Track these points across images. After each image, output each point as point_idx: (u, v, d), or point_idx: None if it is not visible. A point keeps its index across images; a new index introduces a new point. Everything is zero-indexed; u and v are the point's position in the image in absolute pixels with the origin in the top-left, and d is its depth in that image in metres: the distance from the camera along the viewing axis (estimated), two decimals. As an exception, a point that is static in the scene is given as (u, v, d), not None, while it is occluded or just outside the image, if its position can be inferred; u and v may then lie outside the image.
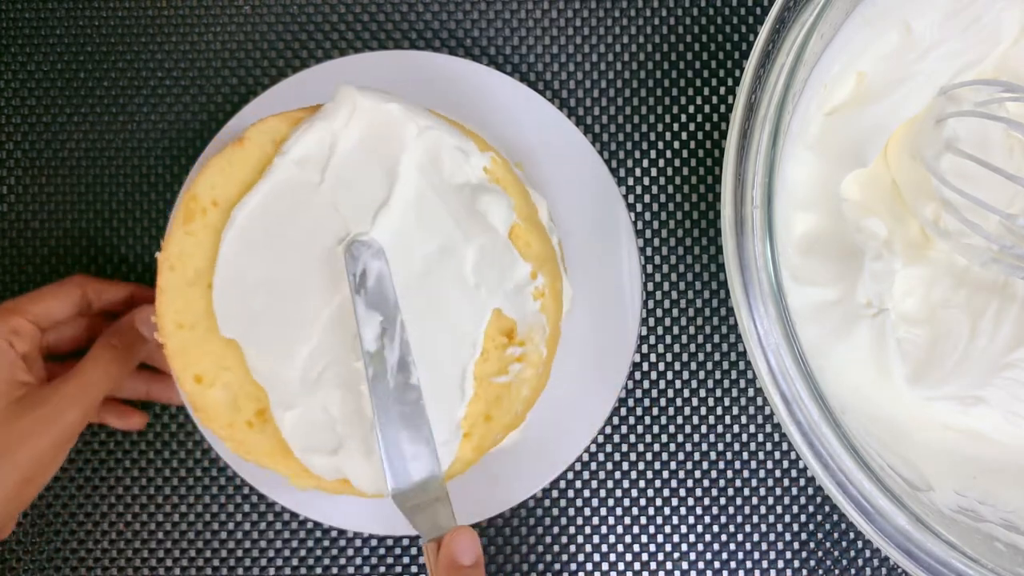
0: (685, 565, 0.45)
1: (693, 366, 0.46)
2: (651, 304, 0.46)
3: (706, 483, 0.45)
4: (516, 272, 0.38)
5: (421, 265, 0.38)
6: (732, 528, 0.45)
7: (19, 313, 0.39)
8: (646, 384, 0.46)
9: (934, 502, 0.35)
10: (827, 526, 0.45)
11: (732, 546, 0.45)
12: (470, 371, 0.38)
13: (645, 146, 0.46)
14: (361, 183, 0.38)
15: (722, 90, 0.46)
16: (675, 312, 0.46)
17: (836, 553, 0.45)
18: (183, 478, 0.45)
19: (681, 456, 0.46)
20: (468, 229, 0.38)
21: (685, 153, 0.46)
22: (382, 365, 0.37)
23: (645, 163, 0.46)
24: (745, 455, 0.45)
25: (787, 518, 0.45)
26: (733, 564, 0.45)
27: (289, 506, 0.43)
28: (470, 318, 0.38)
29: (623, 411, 0.46)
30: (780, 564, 0.45)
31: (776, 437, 0.46)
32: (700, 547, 0.45)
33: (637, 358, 0.46)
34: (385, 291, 0.37)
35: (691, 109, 0.46)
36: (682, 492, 0.45)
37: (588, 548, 0.45)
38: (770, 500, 0.45)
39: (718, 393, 0.46)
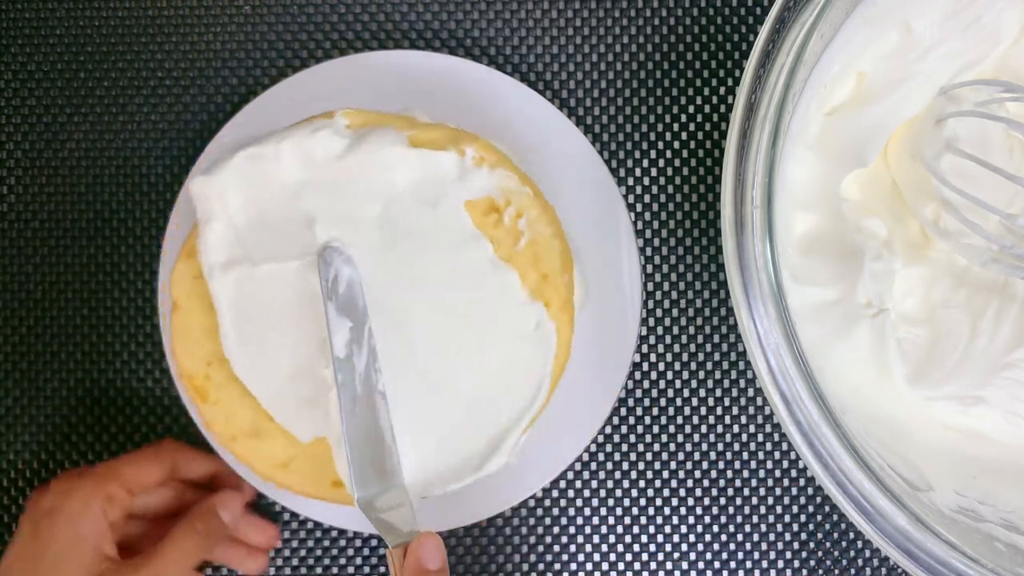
0: (685, 565, 0.45)
1: (693, 366, 0.46)
2: (651, 304, 0.46)
3: (706, 483, 0.45)
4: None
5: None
6: (732, 528, 0.45)
7: (116, 479, 0.39)
8: (646, 384, 0.46)
9: (934, 502, 0.35)
10: (827, 526, 0.45)
11: (732, 546, 0.45)
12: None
13: (645, 146, 0.46)
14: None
15: (722, 90, 0.46)
16: (675, 312, 0.46)
17: (836, 553, 0.45)
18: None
19: (681, 456, 0.46)
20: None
21: (685, 153, 0.46)
22: (350, 371, 0.37)
23: (645, 163, 0.46)
24: (745, 455, 0.45)
25: (787, 518, 0.45)
26: (733, 564, 0.45)
27: (289, 506, 0.43)
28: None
29: (623, 411, 0.46)
30: (780, 564, 0.45)
31: (776, 437, 0.46)
32: (700, 547, 0.45)
33: (637, 358, 0.46)
34: (355, 297, 0.38)
35: (691, 109, 0.46)
36: (682, 492, 0.45)
37: (588, 548, 0.45)
38: (770, 500, 0.45)
39: (718, 393, 0.46)
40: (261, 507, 0.45)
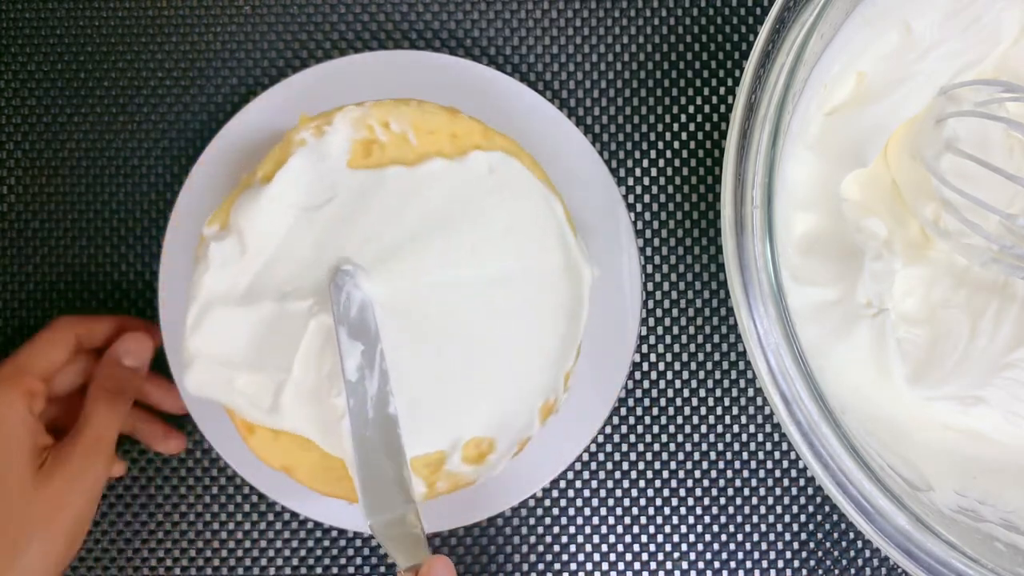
0: (685, 565, 0.45)
1: (693, 366, 0.46)
2: (651, 304, 0.46)
3: (706, 483, 0.45)
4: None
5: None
6: (732, 528, 0.45)
7: (27, 373, 0.39)
8: (646, 384, 0.46)
9: (934, 502, 0.35)
10: (827, 526, 0.45)
11: (732, 546, 0.45)
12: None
13: (645, 146, 0.46)
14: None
15: (722, 90, 0.46)
16: (675, 312, 0.46)
17: (836, 553, 0.45)
18: (183, 478, 0.45)
19: (681, 456, 0.46)
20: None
21: (685, 153, 0.46)
22: (362, 395, 0.37)
23: (645, 163, 0.46)
24: (745, 455, 0.45)
25: (787, 518, 0.45)
26: (733, 564, 0.45)
27: (289, 506, 0.43)
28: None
29: (623, 411, 0.46)
30: (780, 564, 0.45)
31: (776, 437, 0.46)
32: (700, 547, 0.45)
33: (637, 358, 0.46)
34: (367, 320, 0.38)
35: (691, 109, 0.46)
36: (682, 492, 0.45)
37: (588, 548, 0.45)
38: (770, 500, 0.45)
39: (718, 393, 0.46)
40: (261, 506, 0.45)
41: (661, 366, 0.46)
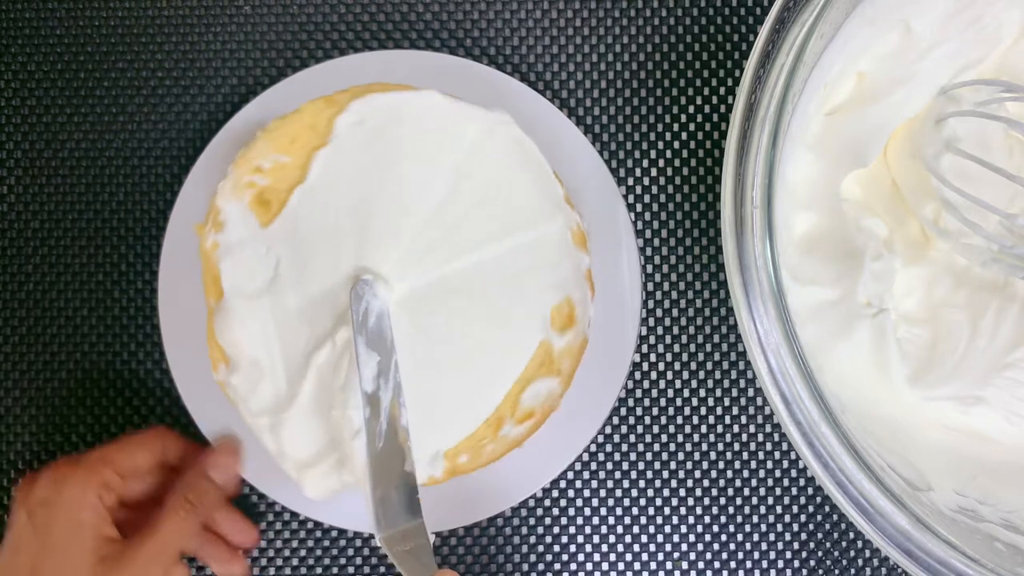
0: (685, 565, 0.45)
1: (693, 366, 0.46)
2: (651, 304, 0.46)
3: (706, 483, 0.45)
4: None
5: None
6: (732, 528, 0.45)
7: (109, 465, 0.39)
8: (646, 384, 0.46)
9: (934, 502, 0.35)
10: (827, 526, 0.45)
11: (732, 546, 0.45)
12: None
13: (645, 146, 0.46)
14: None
15: (722, 90, 0.46)
16: (675, 312, 0.46)
17: (836, 553, 0.45)
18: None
19: (681, 456, 0.46)
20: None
21: (685, 153, 0.46)
22: (377, 406, 0.37)
23: (645, 163, 0.46)
24: (745, 455, 0.45)
25: (787, 518, 0.45)
26: (733, 564, 0.45)
27: (289, 506, 0.43)
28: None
29: (623, 411, 0.46)
30: (780, 564, 0.45)
31: (776, 437, 0.46)
32: (700, 547, 0.45)
33: (637, 358, 0.46)
34: (383, 330, 0.38)
35: (691, 109, 0.46)
36: (682, 492, 0.45)
37: (588, 548, 0.45)
38: (770, 500, 0.45)
39: (718, 393, 0.46)
40: (261, 506, 0.45)
41: (661, 366, 0.46)
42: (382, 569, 0.45)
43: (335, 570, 0.45)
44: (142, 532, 0.39)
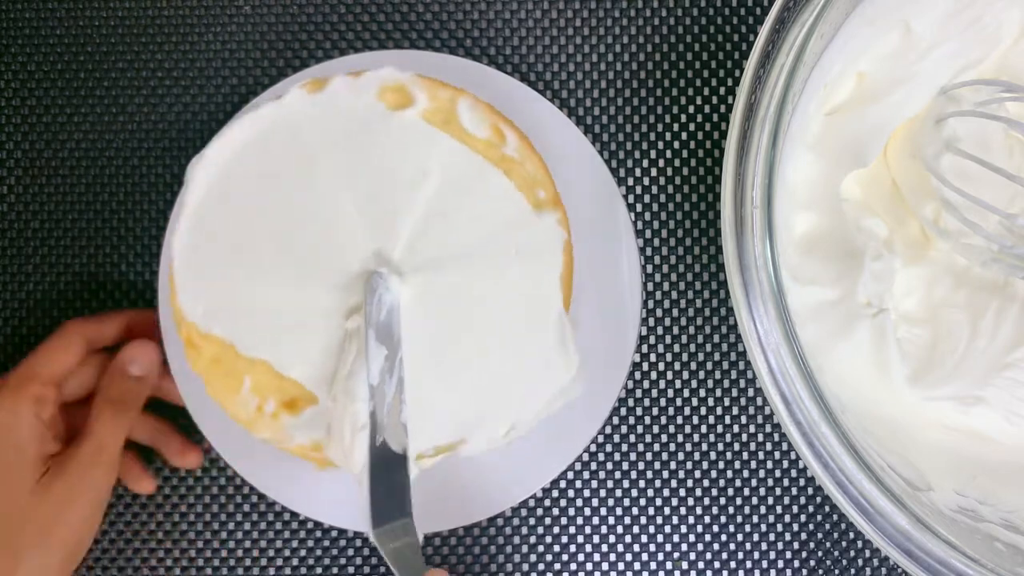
0: (685, 565, 0.45)
1: (693, 366, 0.46)
2: (651, 304, 0.46)
3: (706, 483, 0.45)
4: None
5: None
6: (732, 528, 0.45)
7: (34, 379, 0.39)
8: (646, 384, 0.46)
9: (934, 502, 0.35)
10: (827, 526, 0.45)
11: (732, 546, 0.45)
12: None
13: (645, 146, 0.46)
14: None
15: (722, 90, 0.46)
16: (675, 312, 0.46)
17: (836, 553, 0.45)
18: (183, 478, 0.45)
19: (681, 456, 0.46)
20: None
21: (685, 153, 0.46)
22: (381, 400, 0.37)
23: (645, 163, 0.46)
24: (745, 455, 0.45)
25: (787, 518, 0.45)
26: (733, 564, 0.45)
27: (289, 506, 0.43)
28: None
29: (623, 411, 0.46)
30: (780, 564, 0.45)
31: (776, 437, 0.46)
32: (700, 547, 0.45)
33: (637, 358, 0.46)
34: (392, 325, 0.38)
35: (691, 109, 0.46)
36: (682, 492, 0.45)
37: (588, 548, 0.45)
38: (770, 500, 0.45)
39: (718, 393, 0.46)
40: (261, 506, 0.45)
41: (661, 366, 0.46)
42: (382, 569, 0.45)
43: (335, 570, 0.45)
44: (74, 440, 0.39)
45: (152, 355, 0.42)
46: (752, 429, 0.46)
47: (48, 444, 0.38)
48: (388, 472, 0.37)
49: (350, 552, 0.45)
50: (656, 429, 0.46)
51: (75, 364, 0.41)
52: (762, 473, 0.45)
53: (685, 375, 0.46)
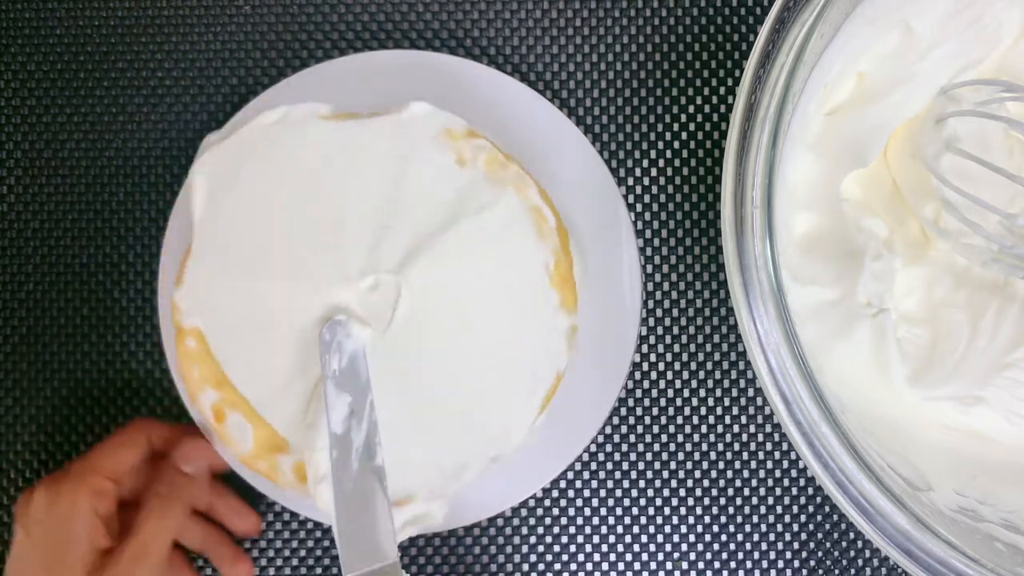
0: (685, 565, 0.45)
1: (693, 366, 0.46)
2: (651, 304, 0.46)
3: (706, 483, 0.45)
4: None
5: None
6: (732, 528, 0.45)
7: (97, 472, 0.39)
8: (646, 384, 0.46)
9: (934, 502, 0.35)
10: (827, 526, 0.45)
11: (732, 546, 0.45)
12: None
13: (645, 146, 0.46)
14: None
15: (722, 90, 0.46)
16: (675, 312, 0.46)
17: (836, 553, 0.45)
18: (183, 478, 0.45)
19: (681, 456, 0.46)
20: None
21: (685, 153, 0.46)
22: (347, 447, 0.36)
23: (645, 163, 0.46)
24: (745, 455, 0.45)
25: (787, 518, 0.45)
26: (733, 564, 0.45)
27: (289, 506, 0.43)
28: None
29: (623, 411, 0.46)
30: (780, 564, 0.45)
31: (776, 437, 0.46)
32: (700, 547, 0.45)
33: (637, 358, 0.46)
34: (357, 370, 0.37)
35: (691, 109, 0.46)
36: (682, 492, 0.45)
37: (588, 548, 0.45)
38: (770, 500, 0.45)
39: (718, 393, 0.46)
40: (261, 506, 0.45)
41: (661, 366, 0.46)
42: (382, 569, 0.45)
43: (335, 570, 0.45)
44: (124, 536, 0.38)
45: (204, 453, 0.41)
46: (752, 429, 0.46)
47: (102, 539, 0.38)
48: (364, 517, 0.36)
49: (350, 552, 0.45)
50: (656, 429, 0.46)
51: (137, 461, 0.41)
52: (762, 473, 0.45)
53: (685, 375, 0.46)
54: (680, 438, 0.46)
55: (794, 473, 0.45)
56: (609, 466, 0.46)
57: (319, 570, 0.45)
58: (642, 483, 0.45)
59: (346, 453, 0.36)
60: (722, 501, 0.45)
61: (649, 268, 0.46)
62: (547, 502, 0.45)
